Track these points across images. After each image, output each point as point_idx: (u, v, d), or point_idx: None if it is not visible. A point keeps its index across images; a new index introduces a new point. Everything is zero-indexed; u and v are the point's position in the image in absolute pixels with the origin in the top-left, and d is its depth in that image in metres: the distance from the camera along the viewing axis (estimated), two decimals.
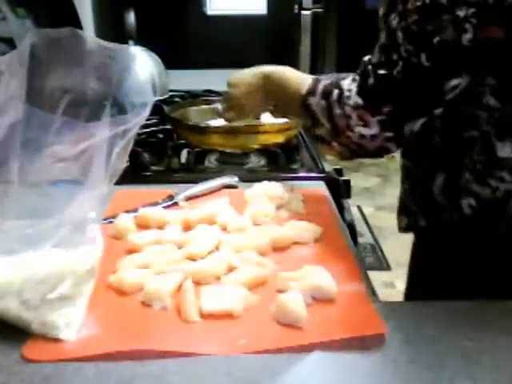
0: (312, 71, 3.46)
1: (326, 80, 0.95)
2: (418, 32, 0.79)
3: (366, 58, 0.88)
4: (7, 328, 0.67)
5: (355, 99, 0.87)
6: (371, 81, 0.85)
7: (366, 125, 0.87)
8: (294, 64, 3.41)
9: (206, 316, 0.70)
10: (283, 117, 1.28)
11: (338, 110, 0.89)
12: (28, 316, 0.66)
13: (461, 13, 0.76)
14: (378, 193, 3.79)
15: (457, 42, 0.77)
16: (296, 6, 3.40)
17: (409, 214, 0.95)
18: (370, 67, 0.86)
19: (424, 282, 1.00)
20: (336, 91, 0.90)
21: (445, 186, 0.88)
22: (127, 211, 0.96)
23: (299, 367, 0.63)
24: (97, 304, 0.72)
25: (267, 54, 3.19)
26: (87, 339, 0.66)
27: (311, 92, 0.95)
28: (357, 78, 0.89)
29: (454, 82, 0.81)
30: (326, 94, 0.92)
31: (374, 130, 0.86)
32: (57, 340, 0.65)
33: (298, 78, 1.03)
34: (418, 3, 0.78)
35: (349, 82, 0.90)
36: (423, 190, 0.91)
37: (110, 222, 0.92)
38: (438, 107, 0.84)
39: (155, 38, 2.29)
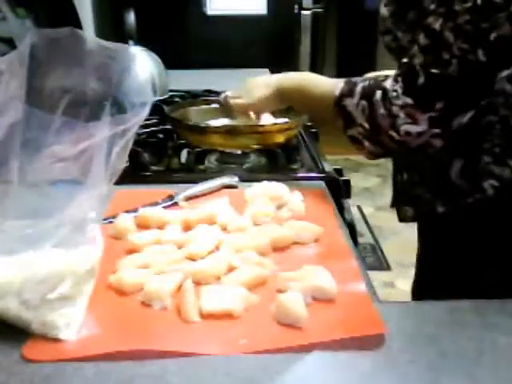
0: (312, 71, 3.43)
1: (363, 82, 0.95)
2: (472, 30, 0.82)
3: (405, 60, 0.89)
4: (7, 328, 0.67)
5: (403, 99, 0.88)
6: (421, 80, 0.87)
7: (414, 122, 0.88)
8: (294, 64, 3.42)
9: (205, 316, 0.70)
10: (283, 116, 1.29)
11: (381, 110, 0.90)
12: (28, 316, 0.66)
13: None
14: (377, 193, 3.79)
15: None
16: (296, 6, 3.40)
17: (419, 204, 0.98)
18: (418, 67, 0.87)
19: (437, 270, 1.04)
20: (379, 92, 0.91)
21: (463, 171, 0.91)
22: (127, 211, 0.96)
23: (299, 367, 0.63)
24: (97, 304, 0.72)
25: (267, 54, 3.18)
26: (87, 339, 0.66)
27: (347, 93, 0.95)
28: (399, 79, 0.89)
29: (505, 72, 0.86)
30: (367, 95, 0.92)
31: (421, 127, 0.88)
32: (57, 340, 0.65)
33: (323, 81, 1.04)
34: (468, 4, 0.81)
35: (391, 83, 0.90)
36: (439, 177, 0.94)
37: (110, 222, 0.92)
38: (487, 98, 0.87)
39: (155, 38, 2.29)
